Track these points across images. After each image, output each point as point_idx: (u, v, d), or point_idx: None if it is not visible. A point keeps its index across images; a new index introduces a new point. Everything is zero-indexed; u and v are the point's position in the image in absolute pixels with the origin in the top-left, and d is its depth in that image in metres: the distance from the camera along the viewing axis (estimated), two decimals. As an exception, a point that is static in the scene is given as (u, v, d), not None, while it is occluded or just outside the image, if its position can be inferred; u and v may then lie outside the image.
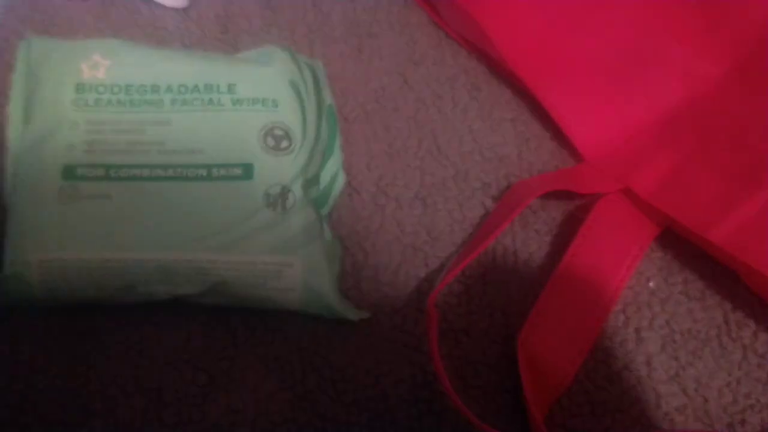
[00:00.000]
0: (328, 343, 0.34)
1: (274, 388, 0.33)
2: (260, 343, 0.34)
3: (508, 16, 0.41)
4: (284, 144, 0.34)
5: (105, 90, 0.34)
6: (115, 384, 0.32)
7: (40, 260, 0.30)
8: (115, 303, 0.32)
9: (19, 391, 0.31)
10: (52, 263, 0.30)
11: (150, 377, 0.32)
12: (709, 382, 0.35)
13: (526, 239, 0.38)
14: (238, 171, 0.33)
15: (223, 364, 0.33)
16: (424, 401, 0.33)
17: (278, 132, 0.34)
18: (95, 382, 0.32)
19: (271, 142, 0.33)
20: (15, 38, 0.41)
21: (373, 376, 0.33)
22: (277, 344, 0.34)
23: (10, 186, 0.32)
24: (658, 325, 0.36)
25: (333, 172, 0.37)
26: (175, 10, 0.43)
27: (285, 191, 0.33)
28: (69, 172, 0.32)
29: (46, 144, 0.32)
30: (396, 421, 0.32)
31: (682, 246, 0.38)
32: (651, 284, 0.37)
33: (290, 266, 0.32)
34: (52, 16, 0.42)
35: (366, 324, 0.34)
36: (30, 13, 0.42)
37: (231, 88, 0.34)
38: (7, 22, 0.41)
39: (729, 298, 0.37)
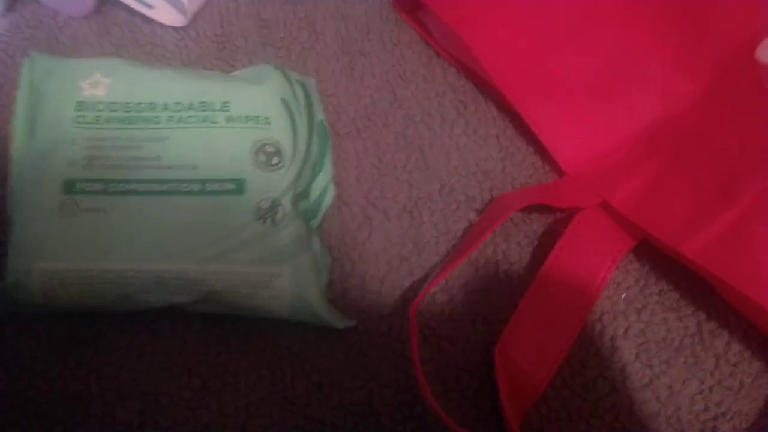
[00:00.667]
0: (316, 349, 0.35)
1: (264, 393, 0.34)
2: (252, 350, 0.35)
3: (493, 36, 0.42)
4: (275, 160, 0.35)
5: (104, 108, 0.35)
6: (112, 388, 0.33)
7: (41, 270, 0.32)
8: (113, 311, 0.33)
9: (20, 393, 0.33)
10: (51, 273, 0.32)
11: (146, 381, 0.34)
12: (682, 389, 0.36)
13: (508, 250, 0.39)
14: (230, 186, 0.34)
15: (216, 369, 0.34)
16: (408, 405, 0.34)
17: (269, 148, 0.35)
18: (94, 386, 0.33)
19: (262, 158, 0.35)
20: (20, 56, 0.43)
21: (359, 381, 0.35)
22: (268, 350, 0.35)
23: (13, 199, 0.34)
24: (634, 334, 0.37)
25: (323, 185, 0.39)
26: (175, 28, 0.45)
27: (275, 205, 0.34)
28: (69, 187, 0.33)
29: (47, 159, 0.34)
30: (381, 423, 0.34)
31: (659, 258, 0.39)
32: (624, 296, 0.38)
33: (279, 276, 0.33)
34: (56, 35, 0.44)
35: (353, 331, 0.36)
36: (34, 31, 0.44)
37: (225, 105, 0.36)
38: (12, 40, 0.43)
39: (703, 309, 0.38)
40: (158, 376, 0.34)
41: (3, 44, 0.43)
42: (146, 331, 0.35)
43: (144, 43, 0.44)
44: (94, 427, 0.32)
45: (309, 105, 0.39)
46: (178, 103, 0.36)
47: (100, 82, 0.36)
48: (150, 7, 0.43)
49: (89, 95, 0.36)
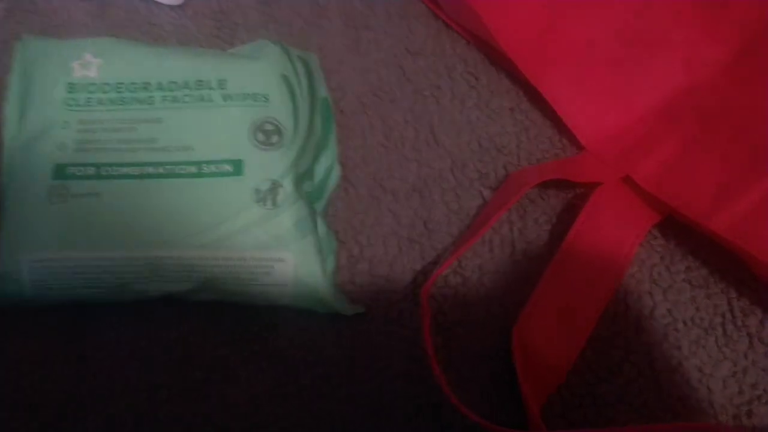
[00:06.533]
0: (323, 338, 0.34)
1: (269, 385, 0.32)
2: (255, 340, 0.33)
3: (504, 5, 0.40)
4: (275, 139, 0.33)
5: (96, 89, 0.34)
6: (109, 383, 0.32)
7: (31, 260, 0.30)
8: (108, 301, 0.32)
9: (15, 389, 0.31)
10: (42, 263, 0.30)
11: (145, 374, 0.32)
12: (714, 372, 0.34)
13: (524, 229, 0.37)
14: (227, 167, 0.32)
15: (218, 360, 0.33)
16: (421, 395, 0.33)
17: (269, 127, 0.34)
18: (91, 379, 0.32)
19: (261, 137, 0.33)
20: (13, 40, 0.41)
21: (368, 371, 0.33)
22: (272, 340, 0.33)
23: (4, 187, 0.33)
24: (660, 314, 0.35)
25: (328, 165, 0.37)
26: (171, 7, 0.43)
27: (275, 186, 0.32)
28: (59, 172, 0.32)
29: (37, 143, 0.32)
30: (392, 415, 0.32)
31: (685, 233, 0.37)
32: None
33: (282, 261, 0.32)
34: (50, 17, 0.42)
35: (361, 318, 0.34)
36: (28, 14, 0.42)
37: (221, 83, 0.34)
38: (4, 25, 0.42)
39: (734, 285, 0.36)
40: (157, 370, 0.32)
41: (-5, 29, 0.42)
42: (143, 322, 0.33)
43: (140, 23, 0.42)
44: (91, 424, 0.31)
45: (310, 81, 0.37)
46: (172, 82, 0.34)
47: (91, 63, 0.35)
48: (145, -15, 0.41)
49: (80, 76, 0.34)
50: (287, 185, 0.33)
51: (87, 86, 0.34)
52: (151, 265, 0.31)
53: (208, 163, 0.32)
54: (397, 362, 0.33)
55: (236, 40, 0.42)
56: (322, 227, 0.34)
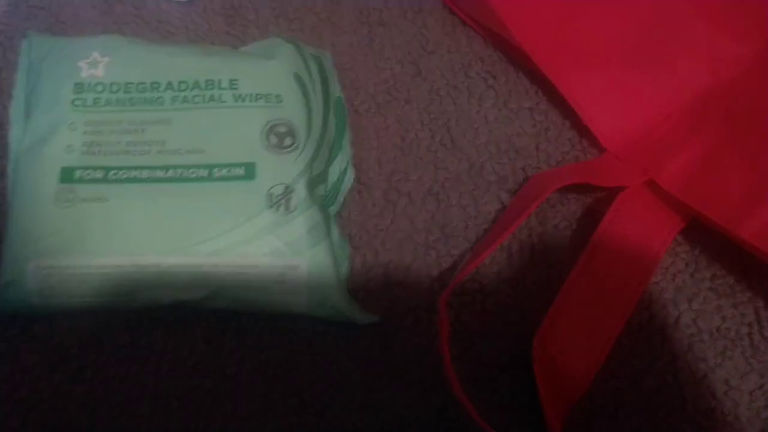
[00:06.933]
0: (336, 346, 0.33)
1: (281, 394, 0.32)
2: (267, 348, 0.33)
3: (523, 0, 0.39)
4: (288, 141, 0.32)
5: (104, 89, 0.33)
6: (119, 391, 0.31)
7: (37, 267, 0.29)
8: (117, 310, 0.31)
9: (23, 398, 0.31)
10: (48, 270, 0.29)
11: (155, 383, 0.31)
12: (740, 384, 0.33)
13: (544, 235, 0.36)
14: (239, 171, 0.31)
15: (229, 369, 0.32)
16: (437, 406, 0.32)
17: (281, 129, 0.33)
18: (99, 389, 0.31)
19: (274, 139, 0.32)
20: (19, 37, 0.40)
21: (382, 381, 0.32)
22: (284, 349, 0.33)
23: (10, 190, 0.32)
24: (685, 324, 0.34)
25: (341, 168, 0.36)
26: (180, 3, 0.42)
27: (289, 191, 0.31)
28: (67, 175, 0.31)
29: (44, 145, 0.32)
30: (408, 425, 0.31)
31: (711, 239, 0.36)
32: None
33: (295, 269, 0.31)
34: (57, 14, 0.41)
35: (375, 326, 0.33)
36: (34, 11, 0.41)
37: (233, 83, 0.33)
38: (10, 21, 0.41)
39: (761, 294, 0.35)
40: (167, 378, 0.32)
41: (1, 25, 0.41)
42: (153, 329, 0.32)
43: (149, 20, 0.41)
44: (101, 434, 0.30)
45: (324, 81, 0.36)
46: (182, 82, 0.33)
47: (99, 62, 0.34)
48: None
49: (88, 76, 0.33)
50: (301, 190, 0.32)
51: (94, 86, 0.33)
52: (160, 273, 0.30)
53: (219, 166, 0.32)
54: (412, 371, 0.32)
55: (247, 37, 0.41)
56: (335, 232, 0.34)
